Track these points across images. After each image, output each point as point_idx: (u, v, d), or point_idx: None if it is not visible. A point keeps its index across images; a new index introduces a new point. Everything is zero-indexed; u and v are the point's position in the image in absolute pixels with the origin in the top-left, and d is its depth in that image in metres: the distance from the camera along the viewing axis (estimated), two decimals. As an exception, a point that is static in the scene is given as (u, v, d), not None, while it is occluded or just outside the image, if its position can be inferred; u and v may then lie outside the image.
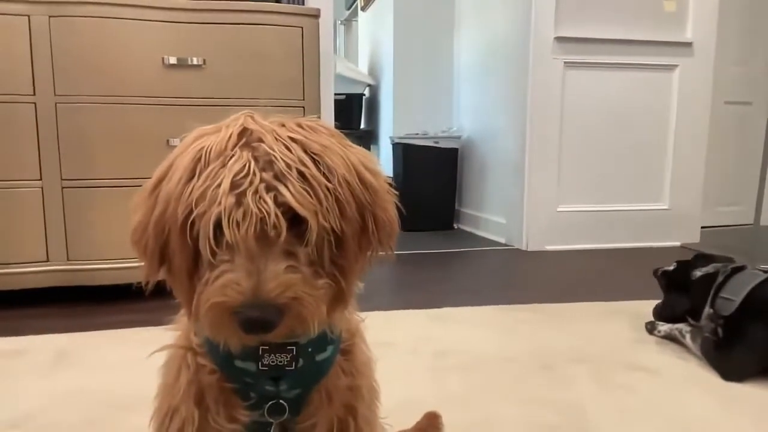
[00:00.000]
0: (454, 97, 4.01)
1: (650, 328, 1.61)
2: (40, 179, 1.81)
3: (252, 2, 1.95)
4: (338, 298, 0.56)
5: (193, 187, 0.51)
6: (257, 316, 0.48)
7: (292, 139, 0.53)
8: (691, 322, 1.50)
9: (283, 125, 0.55)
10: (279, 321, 0.49)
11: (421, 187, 3.67)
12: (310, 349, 0.60)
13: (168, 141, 1.84)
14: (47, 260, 1.83)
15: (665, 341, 1.54)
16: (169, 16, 1.83)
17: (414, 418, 1.01)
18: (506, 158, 3.18)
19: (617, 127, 3.00)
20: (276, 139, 0.53)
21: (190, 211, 0.51)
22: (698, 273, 1.50)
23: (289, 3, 2.23)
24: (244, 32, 1.90)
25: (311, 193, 0.51)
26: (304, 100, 1.95)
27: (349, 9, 5.72)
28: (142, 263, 0.56)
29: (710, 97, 3.08)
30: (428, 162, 3.67)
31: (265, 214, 0.49)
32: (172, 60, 1.84)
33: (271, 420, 0.61)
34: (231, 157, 0.51)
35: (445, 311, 1.81)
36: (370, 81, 4.53)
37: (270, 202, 0.49)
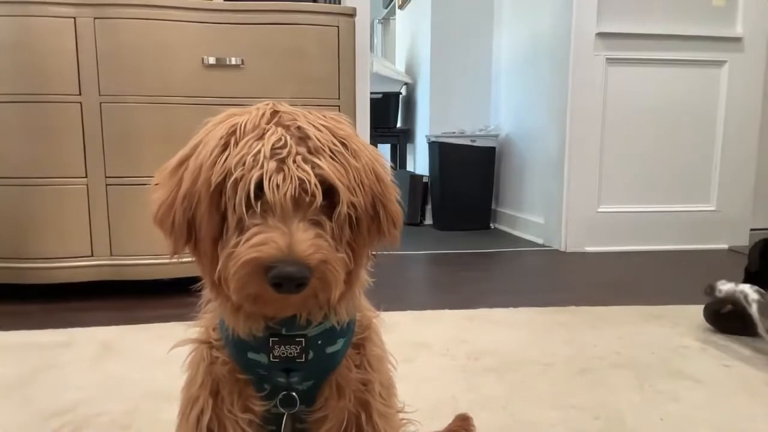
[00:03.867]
0: (492, 95, 3.96)
1: (710, 290, 1.49)
2: (86, 177, 1.86)
3: (288, 2, 1.97)
4: (347, 281, 0.57)
5: (229, 155, 0.53)
6: (292, 271, 0.49)
7: (321, 125, 0.57)
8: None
9: (310, 113, 0.58)
10: (309, 280, 0.50)
11: (458, 187, 3.64)
12: (319, 342, 0.61)
13: (207, 140, 1.88)
14: (91, 255, 1.89)
15: (709, 347, 1.48)
16: (208, 17, 1.86)
17: (446, 420, 1.00)
18: (545, 157, 3.12)
19: (662, 126, 2.91)
20: (307, 121, 0.56)
21: (224, 177, 0.53)
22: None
23: (325, 2, 2.24)
24: (281, 32, 1.91)
25: (342, 169, 0.54)
26: (339, 99, 1.96)
27: (386, 7, 5.72)
28: (169, 238, 0.57)
29: (761, 94, 2.95)
30: (465, 161, 3.64)
31: (305, 179, 0.52)
32: (212, 60, 1.87)
33: (284, 411, 0.63)
34: (267, 131, 0.54)
35: (481, 312, 1.79)
36: (407, 79, 4.52)
37: (309, 169, 0.52)
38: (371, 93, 2.58)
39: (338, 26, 1.95)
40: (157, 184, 0.59)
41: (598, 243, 2.90)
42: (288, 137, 0.54)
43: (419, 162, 4.36)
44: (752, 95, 2.93)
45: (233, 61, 1.88)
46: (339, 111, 2.00)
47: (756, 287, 1.39)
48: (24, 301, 1.89)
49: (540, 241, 3.15)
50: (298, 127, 0.55)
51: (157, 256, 1.89)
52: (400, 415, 0.74)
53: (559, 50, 2.90)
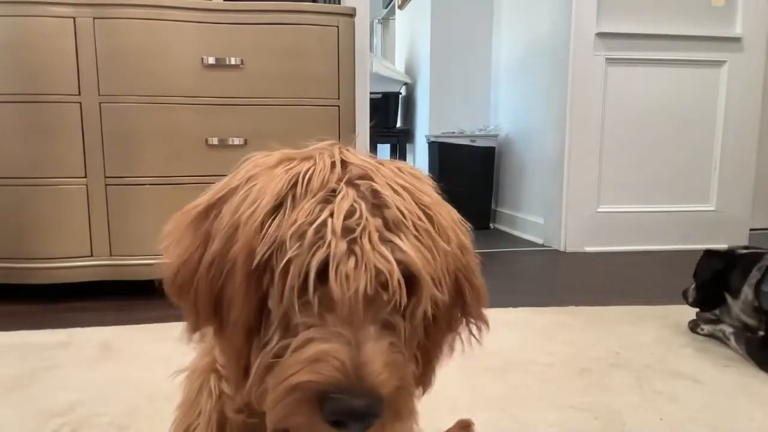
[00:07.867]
0: (491, 95, 3.96)
1: (693, 326, 1.58)
2: (85, 177, 1.86)
3: (288, 2, 1.97)
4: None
5: (283, 219, 0.41)
6: (361, 407, 0.36)
7: (400, 185, 0.43)
8: (729, 300, 1.46)
9: (382, 164, 0.46)
10: (380, 417, 0.37)
11: (457, 186, 3.63)
12: None
13: (206, 140, 1.88)
14: (91, 255, 1.89)
15: (707, 347, 1.48)
16: (207, 17, 1.86)
17: (445, 421, 1.00)
18: (545, 157, 3.12)
19: (661, 126, 2.91)
20: (384, 179, 0.43)
21: (274, 250, 0.40)
22: (742, 251, 1.48)
23: (325, 2, 2.24)
24: (280, 32, 1.91)
25: (429, 255, 0.42)
26: (339, 99, 1.96)
27: (386, 7, 5.71)
28: (188, 312, 0.45)
29: (761, 94, 2.95)
30: (464, 161, 3.64)
31: (385, 270, 0.39)
32: (211, 60, 1.87)
33: None
34: (338, 192, 0.41)
35: (480, 312, 1.79)
36: (407, 79, 4.52)
37: (390, 255, 0.39)
38: (371, 93, 2.58)
39: (338, 26, 1.95)
40: (172, 234, 0.45)
41: (598, 243, 2.90)
42: (362, 204, 0.40)
43: (419, 162, 4.36)
44: (752, 95, 2.93)
45: (233, 61, 1.88)
46: (339, 111, 2.00)
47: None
48: (24, 301, 1.89)
49: (540, 241, 3.15)
50: (373, 190, 0.42)
51: (156, 257, 1.89)
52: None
53: (559, 50, 2.90)
